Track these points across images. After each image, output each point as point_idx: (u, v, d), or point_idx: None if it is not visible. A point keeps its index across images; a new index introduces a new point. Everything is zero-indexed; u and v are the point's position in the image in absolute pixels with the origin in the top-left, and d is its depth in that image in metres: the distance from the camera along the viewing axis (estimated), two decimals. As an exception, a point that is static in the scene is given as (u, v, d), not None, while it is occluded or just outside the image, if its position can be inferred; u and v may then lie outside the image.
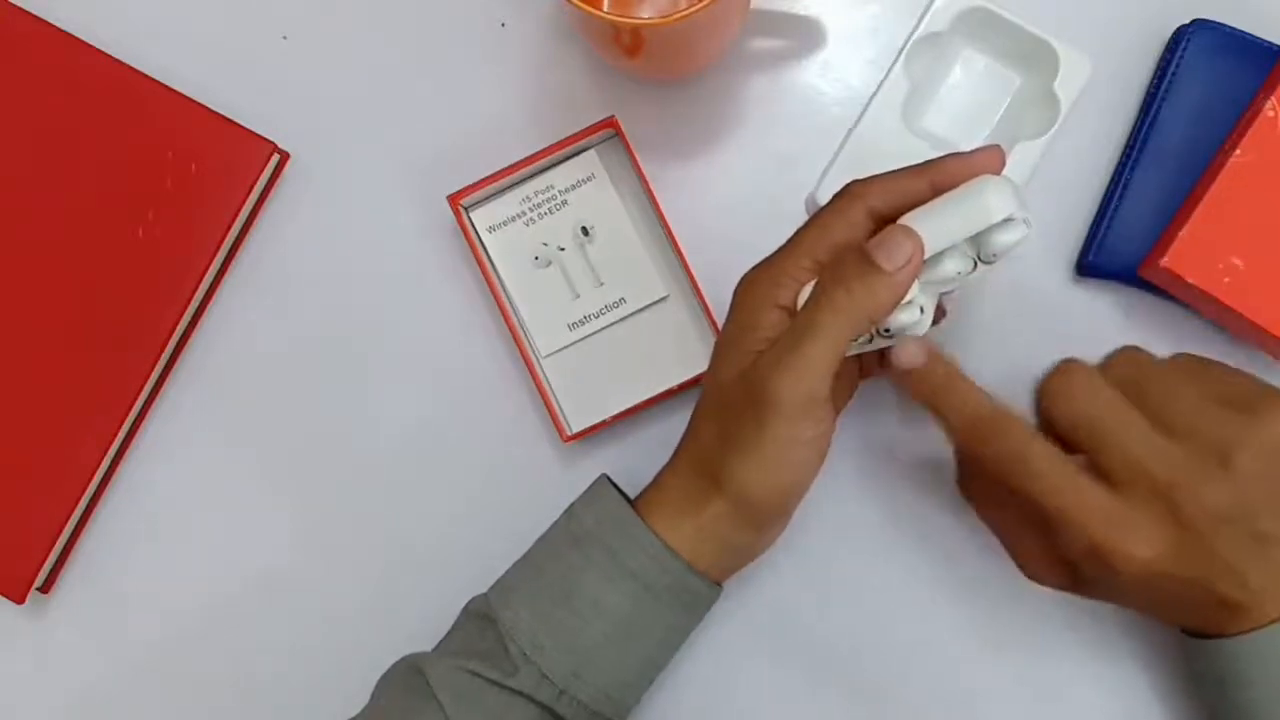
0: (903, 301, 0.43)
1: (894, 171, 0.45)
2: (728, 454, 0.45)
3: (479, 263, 0.55)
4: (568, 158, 0.55)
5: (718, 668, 0.55)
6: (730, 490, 0.45)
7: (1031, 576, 0.48)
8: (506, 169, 0.54)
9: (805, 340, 0.42)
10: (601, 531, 0.47)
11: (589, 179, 0.55)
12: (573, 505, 0.49)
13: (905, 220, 0.43)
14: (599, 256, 0.56)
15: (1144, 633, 0.54)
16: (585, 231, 0.55)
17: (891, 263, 0.42)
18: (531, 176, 0.55)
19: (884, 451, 0.55)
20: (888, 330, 0.44)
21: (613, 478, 0.49)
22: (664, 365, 0.54)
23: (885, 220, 0.44)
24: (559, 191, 0.55)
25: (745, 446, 0.44)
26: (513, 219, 0.56)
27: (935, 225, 0.43)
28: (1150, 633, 0.53)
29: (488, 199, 0.56)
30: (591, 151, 0.55)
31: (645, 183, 0.54)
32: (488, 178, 0.54)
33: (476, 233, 0.55)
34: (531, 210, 0.56)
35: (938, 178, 0.44)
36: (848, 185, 0.46)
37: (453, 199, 0.54)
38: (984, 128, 0.55)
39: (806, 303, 0.44)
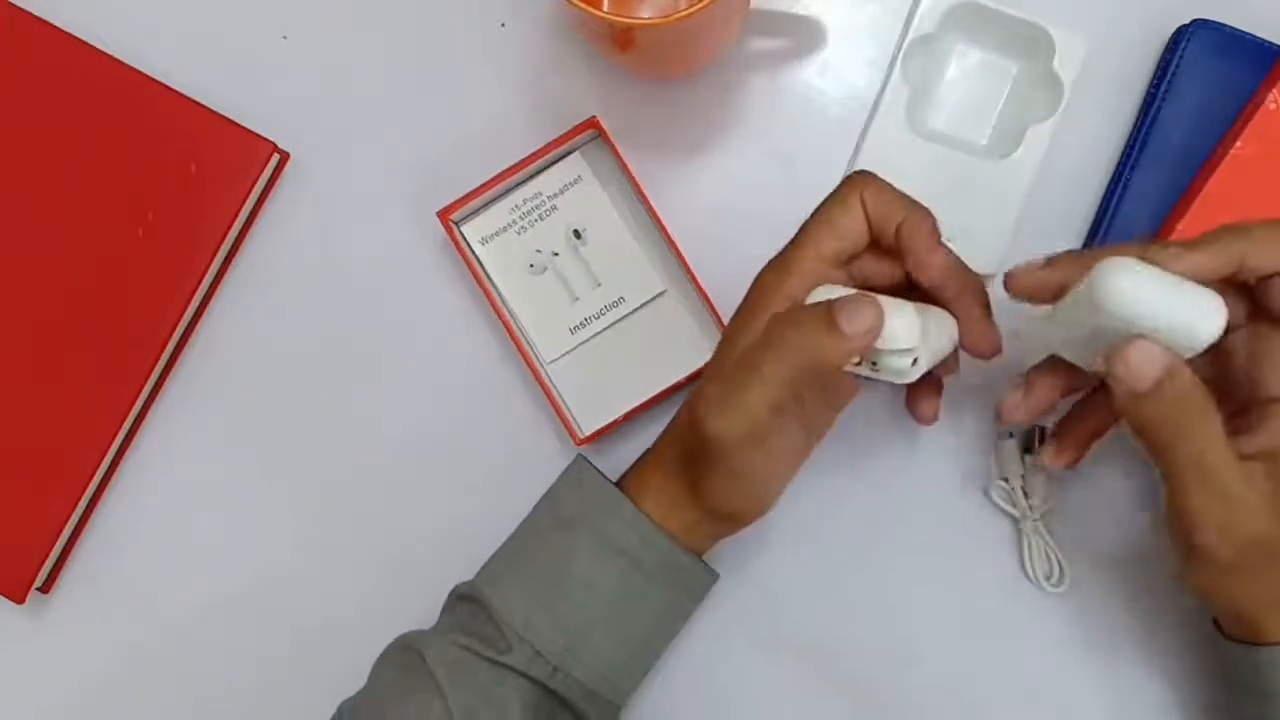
0: (905, 348, 0.42)
1: (892, 187, 0.45)
2: (696, 473, 0.46)
3: (474, 275, 0.55)
4: (553, 162, 0.55)
5: (712, 658, 0.55)
6: (703, 504, 0.46)
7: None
8: (492, 179, 0.54)
9: (747, 382, 0.43)
10: (589, 513, 0.47)
11: (576, 181, 0.55)
12: (554, 489, 0.50)
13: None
14: (594, 258, 0.56)
15: (1144, 634, 0.54)
16: (577, 234, 0.55)
17: (851, 328, 0.41)
18: (519, 185, 0.55)
19: (885, 446, 0.55)
20: (875, 364, 0.44)
21: (624, 473, 0.49)
22: (669, 359, 0.54)
23: (871, 224, 0.45)
24: (547, 197, 0.55)
25: (706, 472, 0.45)
26: (504, 229, 0.56)
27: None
28: (1151, 635, 0.54)
29: (477, 211, 0.56)
30: (576, 154, 0.55)
31: (633, 179, 0.54)
32: (475, 190, 0.54)
33: (469, 246, 0.55)
34: (522, 219, 0.56)
35: (907, 218, 0.44)
36: (853, 176, 0.46)
37: (442, 214, 0.54)
38: (988, 119, 0.55)
39: (755, 342, 0.43)
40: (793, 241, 0.46)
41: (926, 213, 0.45)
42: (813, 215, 0.46)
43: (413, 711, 0.46)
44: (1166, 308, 0.40)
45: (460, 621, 0.48)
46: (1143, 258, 0.41)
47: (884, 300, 0.42)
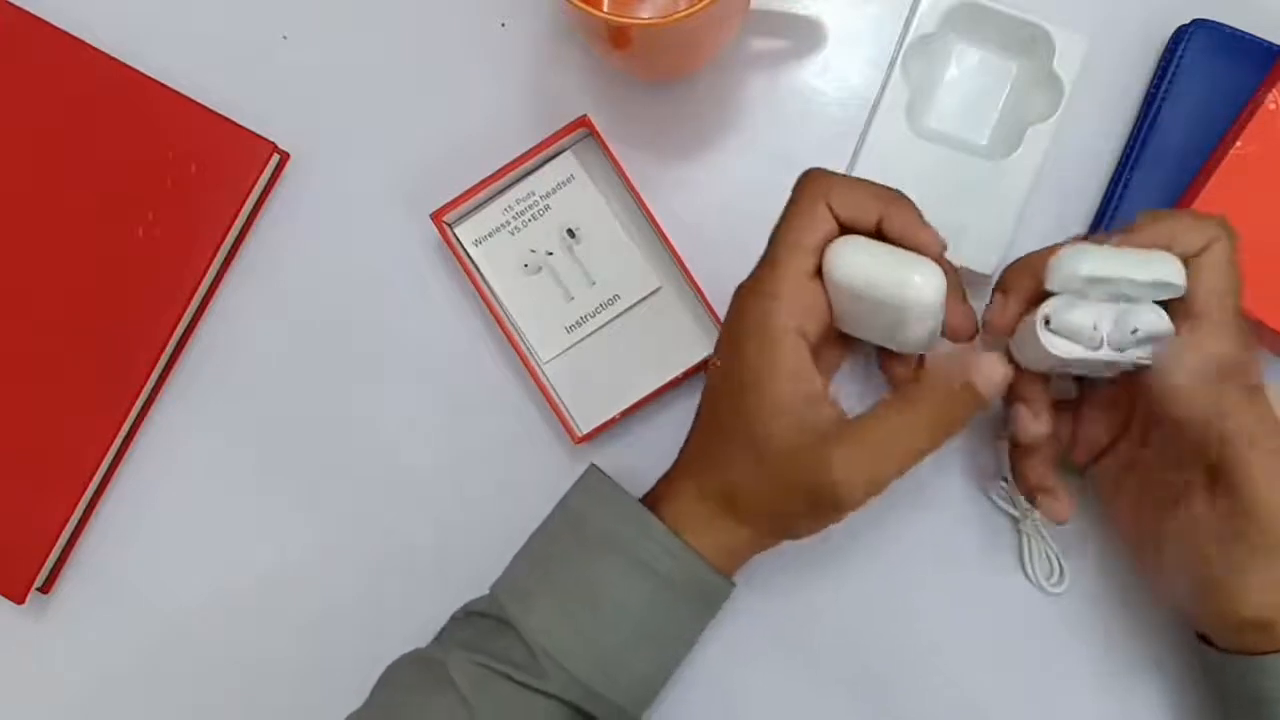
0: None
1: (855, 181, 0.45)
2: (779, 519, 0.46)
3: (469, 277, 0.55)
4: (545, 162, 0.55)
5: (710, 657, 0.54)
6: (771, 535, 0.47)
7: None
8: (484, 180, 0.54)
9: (894, 454, 0.43)
10: (620, 534, 0.47)
11: (569, 180, 0.55)
12: (576, 503, 0.49)
13: None
14: (588, 256, 0.56)
15: (1144, 634, 0.54)
16: (571, 233, 0.55)
17: (991, 392, 0.44)
18: (511, 185, 0.55)
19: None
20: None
21: (625, 470, 0.49)
22: (664, 356, 0.54)
23: (843, 226, 0.45)
24: (540, 197, 0.55)
25: (802, 523, 0.46)
26: (497, 229, 0.56)
27: None
28: (1151, 635, 0.54)
29: (471, 212, 0.56)
30: (568, 153, 0.55)
31: (625, 177, 0.54)
32: (467, 192, 0.54)
33: (463, 247, 0.55)
34: (515, 219, 0.56)
35: (887, 214, 0.44)
36: (809, 179, 0.45)
37: (436, 216, 0.54)
38: (988, 119, 0.55)
39: (903, 416, 0.44)
40: (767, 261, 0.45)
41: (902, 199, 0.45)
42: (780, 232, 0.45)
43: None
44: (1131, 270, 0.42)
45: (479, 640, 0.47)
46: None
47: (911, 259, 0.43)
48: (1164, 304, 0.44)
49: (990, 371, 0.44)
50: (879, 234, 0.44)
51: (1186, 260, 0.43)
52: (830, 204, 0.44)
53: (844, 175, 0.45)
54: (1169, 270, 0.43)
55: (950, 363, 0.44)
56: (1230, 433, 0.42)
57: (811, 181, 0.45)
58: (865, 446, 0.43)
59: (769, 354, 0.44)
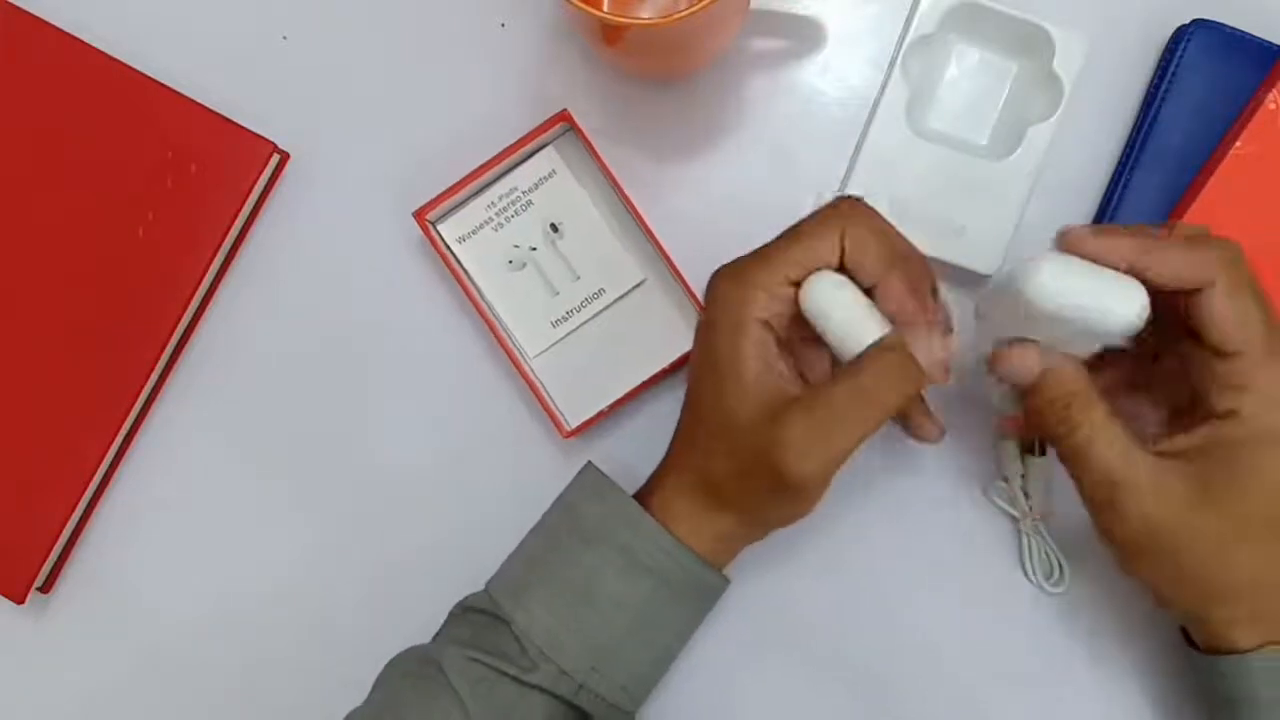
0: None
1: (880, 229, 0.45)
2: (752, 501, 0.46)
3: (453, 274, 0.55)
4: (527, 157, 0.55)
5: (710, 657, 0.55)
6: (754, 519, 0.47)
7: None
8: (466, 177, 0.54)
9: (842, 429, 0.43)
10: (614, 530, 0.47)
11: (550, 175, 0.55)
12: (570, 500, 0.49)
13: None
14: (572, 251, 0.56)
15: (1145, 634, 0.54)
16: (554, 228, 0.56)
17: (929, 364, 0.44)
18: (494, 181, 0.55)
19: (883, 447, 0.55)
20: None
21: (615, 463, 0.49)
22: (651, 348, 0.54)
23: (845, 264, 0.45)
24: (522, 192, 0.55)
25: (772, 503, 0.46)
26: (480, 226, 0.56)
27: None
28: (1151, 635, 0.54)
29: (453, 210, 0.56)
30: (550, 148, 0.55)
31: (607, 171, 0.54)
32: (449, 189, 0.54)
33: (446, 244, 0.55)
34: (498, 215, 0.56)
35: (887, 279, 0.44)
36: (843, 201, 0.45)
37: (418, 214, 0.54)
38: (988, 118, 0.55)
39: (846, 389, 0.43)
40: (760, 254, 0.45)
41: (912, 262, 0.45)
42: (791, 237, 0.45)
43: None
44: (1084, 299, 0.42)
45: (474, 636, 0.47)
46: (1060, 237, 0.44)
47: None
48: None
49: (929, 345, 0.44)
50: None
51: (1196, 290, 0.42)
52: (844, 238, 0.44)
53: (877, 216, 0.45)
54: (1122, 315, 0.42)
55: (895, 339, 0.44)
56: (1061, 442, 0.44)
57: (842, 206, 0.45)
58: (810, 422, 0.43)
59: (739, 339, 0.45)
